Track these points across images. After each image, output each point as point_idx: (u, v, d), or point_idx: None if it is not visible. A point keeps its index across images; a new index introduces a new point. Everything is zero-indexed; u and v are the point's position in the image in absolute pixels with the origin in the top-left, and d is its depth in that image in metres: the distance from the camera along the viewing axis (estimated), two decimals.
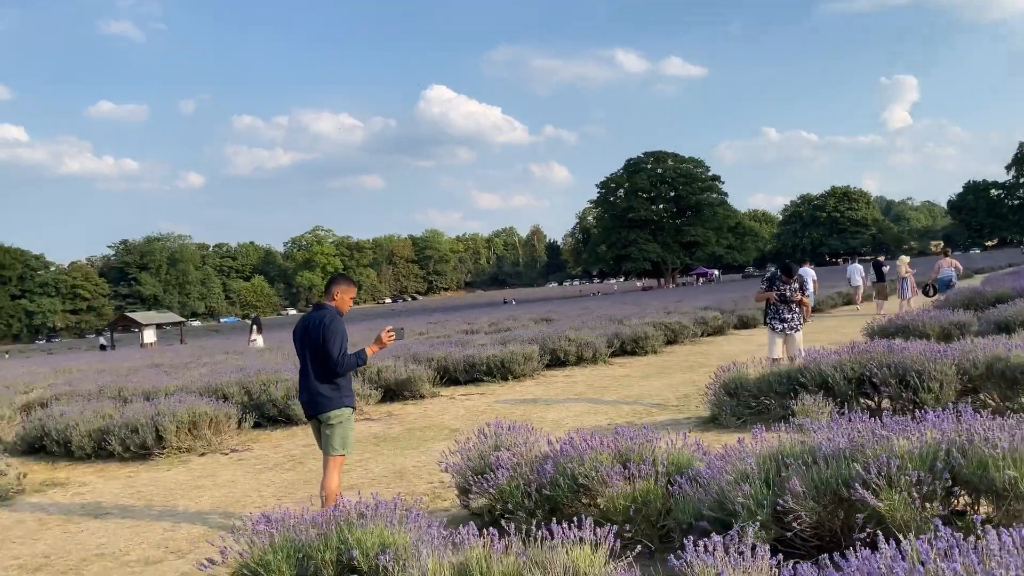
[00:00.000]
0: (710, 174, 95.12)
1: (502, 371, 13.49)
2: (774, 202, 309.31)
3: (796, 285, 9.48)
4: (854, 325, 19.86)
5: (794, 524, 3.85)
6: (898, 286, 21.87)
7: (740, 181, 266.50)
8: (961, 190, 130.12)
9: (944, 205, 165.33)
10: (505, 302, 75.33)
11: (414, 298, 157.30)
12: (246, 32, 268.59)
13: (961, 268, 23.98)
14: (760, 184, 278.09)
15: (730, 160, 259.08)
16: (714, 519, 4.06)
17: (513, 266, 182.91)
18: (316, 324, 5.36)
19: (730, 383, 8.21)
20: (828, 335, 17.80)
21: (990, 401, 7.19)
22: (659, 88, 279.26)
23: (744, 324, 21.13)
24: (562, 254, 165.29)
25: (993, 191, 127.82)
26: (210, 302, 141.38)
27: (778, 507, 3.88)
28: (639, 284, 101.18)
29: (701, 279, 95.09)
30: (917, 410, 6.92)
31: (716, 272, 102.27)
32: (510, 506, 4.72)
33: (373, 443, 8.94)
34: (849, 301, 26.42)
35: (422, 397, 12.14)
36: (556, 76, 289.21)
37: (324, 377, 5.32)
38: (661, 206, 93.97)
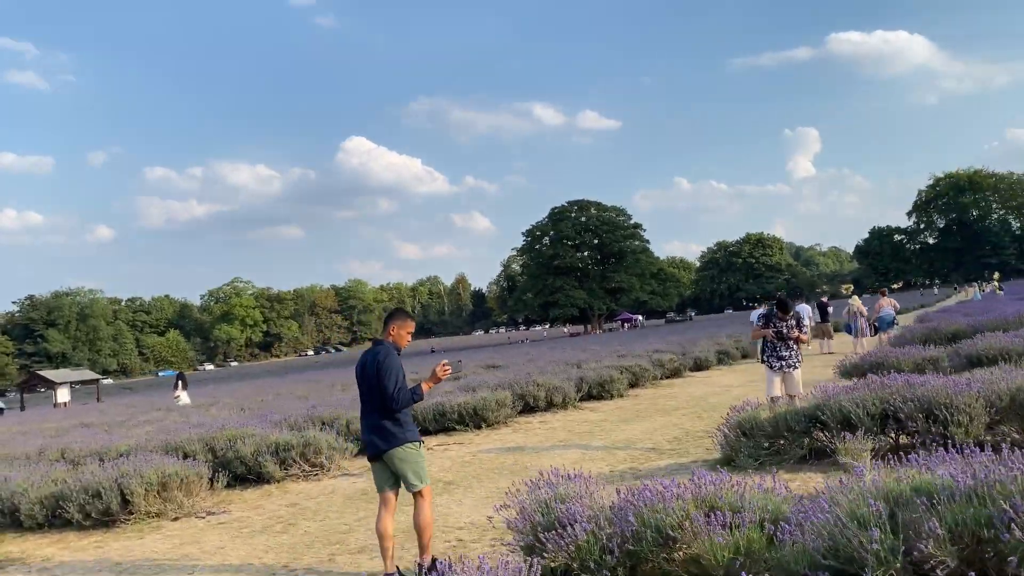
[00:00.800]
0: (632, 222, 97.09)
1: (474, 419, 12.95)
2: (689, 249, 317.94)
3: (793, 322, 9.35)
4: (811, 364, 20.14)
5: (937, 572, 3.51)
6: (852, 325, 22.20)
7: (656, 229, 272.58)
8: (867, 235, 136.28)
9: (849, 251, 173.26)
10: (433, 351, 74.44)
11: (338, 349, 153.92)
12: (159, 83, 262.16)
13: (899, 306, 24.68)
14: (675, 232, 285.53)
15: (646, 208, 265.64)
16: (835, 569, 3.70)
17: (439, 314, 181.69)
18: (371, 361, 5.33)
19: (745, 423, 7.94)
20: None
21: (1014, 434, 7.12)
22: (576, 140, 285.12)
23: (698, 366, 21.10)
24: (487, 302, 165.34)
25: (896, 236, 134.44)
26: (122, 358, 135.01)
27: (915, 554, 3.55)
28: (566, 330, 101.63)
29: (626, 324, 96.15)
30: (947, 445, 6.80)
31: (640, 317, 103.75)
32: (591, 564, 4.25)
33: (366, 500, 8.27)
34: None
35: None
36: (475, 128, 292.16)
37: (384, 414, 5.26)
38: (586, 253, 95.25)
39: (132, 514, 8.15)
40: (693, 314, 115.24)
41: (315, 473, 9.91)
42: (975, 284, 76.91)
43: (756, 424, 7.89)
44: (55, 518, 8.37)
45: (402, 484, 5.33)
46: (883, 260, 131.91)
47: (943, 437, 6.88)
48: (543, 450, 10.41)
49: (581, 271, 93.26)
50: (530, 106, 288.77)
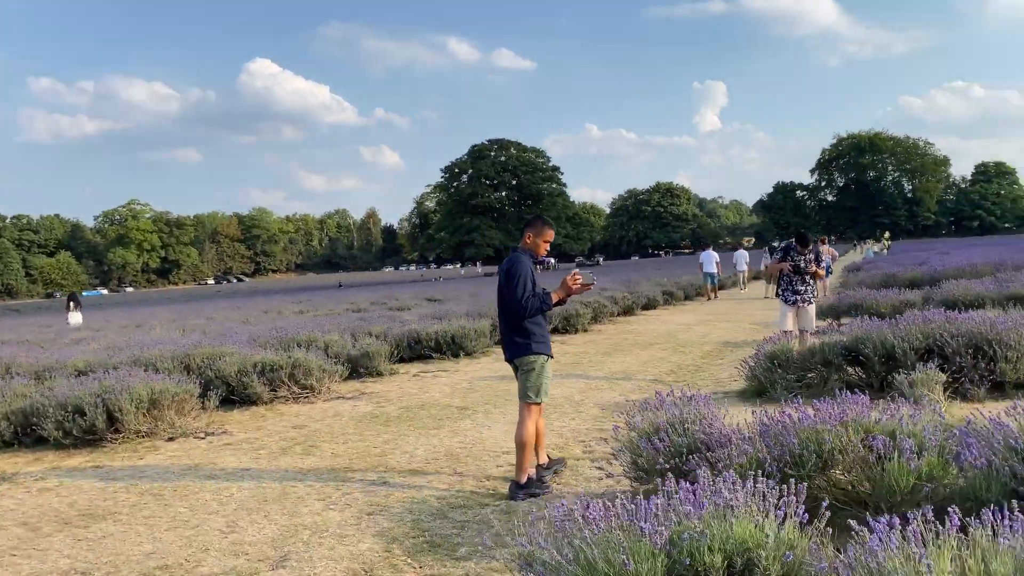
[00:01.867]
0: (551, 164, 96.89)
1: (452, 347, 12.46)
2: (596, 195, 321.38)
3: (812, 256, 9.21)
4: (760, 306, 20.50)
5: None
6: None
7: (566, 174, 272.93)
8: (772, 190, 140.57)
9: (749, 204, 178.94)
10: (340, 286, 73.05)
11: (240, 279, 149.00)
12: None
13: (837, 256, 25.33)
14: (584, 178, 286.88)
15: (557, 153, 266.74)
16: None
17: (347, 249, 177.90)
18: (502, 270, 5.29)
19: (779, 354, 7.77)
20: (744, 316, 18.14)
21: None
22: (491, 78, 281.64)
23: (646, 306, 21.09)
24: (398, 239, 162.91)
25: (799, 192, 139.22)
26: (7, 279, 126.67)
27: None
28: (480, 270, 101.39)
29: (539, 266, 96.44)
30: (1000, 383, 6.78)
31: (552, 260, 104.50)
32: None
33: (381, 423, 7.76)
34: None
35: (379, 375, 10.91)
36: (388, 58, 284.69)
37: (512, 322, 5.21)
38: (504, 193, 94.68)
39: (119, 432, 7.35)
40: (601, 259, 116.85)
41: (305, 395, 9.26)
42: (868, 241, 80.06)
43: (790, 356, 7.73)
44: (25, 435, 7.49)
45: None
46: (784, 215, 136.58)
47: (989, 373, 6.88)
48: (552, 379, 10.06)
49: (498, 211, 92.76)
50: (445, 39, 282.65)
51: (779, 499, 2.81)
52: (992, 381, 6.88)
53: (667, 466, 4.06)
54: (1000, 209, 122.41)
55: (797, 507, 2.72)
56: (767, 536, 2.51)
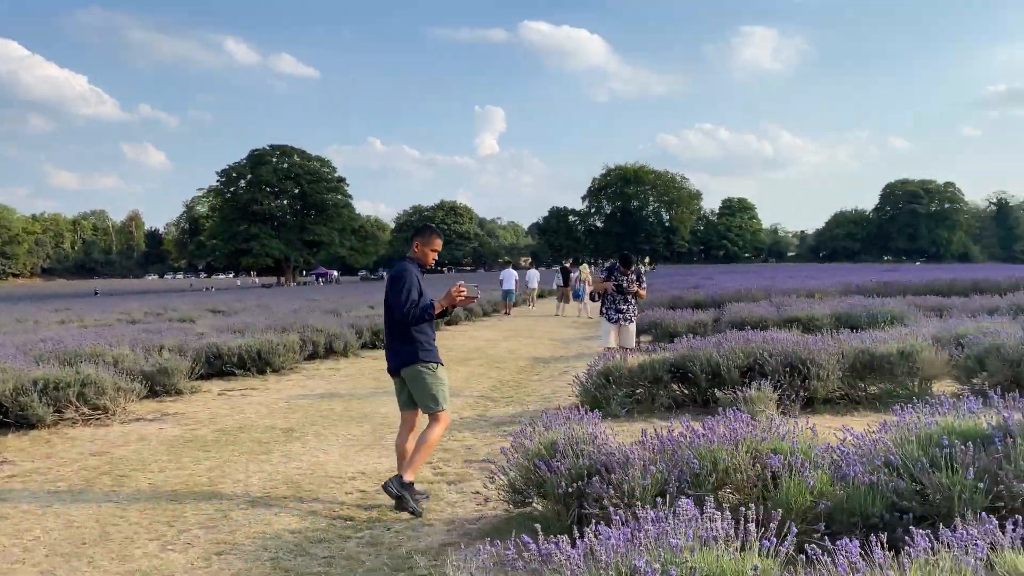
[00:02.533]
0: (337, 175, 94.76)
1: (258, 363, 11.60)
2: (378, 209, 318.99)
3: (634, 276, 9.56)
4: (554, 324, 21.14)
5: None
6: (579, 291, 23.67)
7: (349, 186, 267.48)
8: (547, 214, 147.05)
9: (525, 226, 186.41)
10: (96, 294, 66.73)
11: None
12: None
13: None
14: (366, 191, 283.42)
15: (339, 164, 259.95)
16: (916, 511, 3.72)
17: (104, 254, 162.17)
18: (388, 278, 5.31)
19: (613, 370, 7.93)
20: (543, 333, 18.61)
21: (862, 390, 7.91)
22: (271, 83, 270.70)
23: (449, 321, 21.05)
24: (164, 245, 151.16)
25: (571, 217, 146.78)
26: None
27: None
28: (258, 281, 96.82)
29: (321, 279, 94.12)
30: (809, 400, 7.36)
31: (335, 273, 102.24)
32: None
33: (198, 449, 6.96)
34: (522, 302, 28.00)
35: (179, 393, 9.88)
36: (157, 52, 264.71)
37: (397, 331, 5.17)
38: (286, 202, 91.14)
39: None
40: (385, 273, 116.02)
41: (97, 417, 8.15)
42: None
43: (622, 372, 7.92)
44: None
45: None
46: (559, 238, 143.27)
47: (804, 390, 7.45)
48: (364, 397, 9.61)
49: (279, 220, 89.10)
50: (222, 39, 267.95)
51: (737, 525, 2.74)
52: (805, 398, 7.45)
53: (570, 490, 3.91)
54: (742, 240, 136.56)
55: (765, 534, 2.65)
56: (754, 568, 2.42)
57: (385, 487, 5.05)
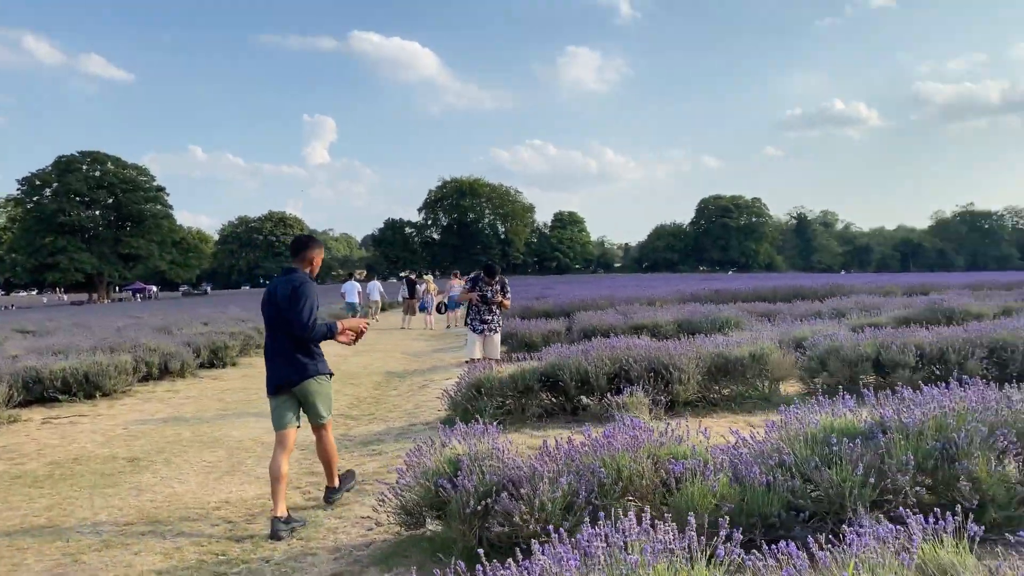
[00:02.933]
0: (156, 184, 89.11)
1: (86, 387, 10.55)
2: (200, 220, 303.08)
3: (498, 287, 9.52)
4: (401, 337, 20.79)
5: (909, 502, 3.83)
6: (425, 303, 23.48)
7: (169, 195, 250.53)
8: (383, 226, 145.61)
9: (358, 238, 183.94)
10: None
11: None
12: None
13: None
14: (187, 201, 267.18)
15: (157, 173, 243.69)
16: (810, 510, 3.86)
17: None
18: (284, 287, 5.06)
19: (484, 381, 7.83)
20: (392, 347, 18.25)
21: (724, 391, 8.23)
22: (77, 85, 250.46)
23: None
24: None
25: (407, 229, 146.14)
26: None
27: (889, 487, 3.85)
28: (66, 298, 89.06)
29: (138, 295, 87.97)
30: (670, 403, 7.60)
31: (154, 288, 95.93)
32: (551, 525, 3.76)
33: (29, 485, 6.18)
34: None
35: None
36: None
37: (296, 344, 5.07)
38: (98, 212, 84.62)
39: None
40: (209, 288, 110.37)
41: None
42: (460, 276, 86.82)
43: (493, 384, 7.84)
44: None
45: (302, 420, 5.26)
46: (395, 249, 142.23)
47: (667, 394, 7.67)
48: (211, 420, 8.96)
49: (91, 232, 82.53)
50: (19, 35, 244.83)
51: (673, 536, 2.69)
52: (667, 401, 7.67)
53: (479, 508, 3.75)
54: (573, 252, 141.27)
55: (709, 543, 2.62)
56: None
57: (328, 499, 5.43)
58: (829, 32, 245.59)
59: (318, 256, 5.29)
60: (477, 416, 7.69)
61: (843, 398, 4.54)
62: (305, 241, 5.31)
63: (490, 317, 9.51)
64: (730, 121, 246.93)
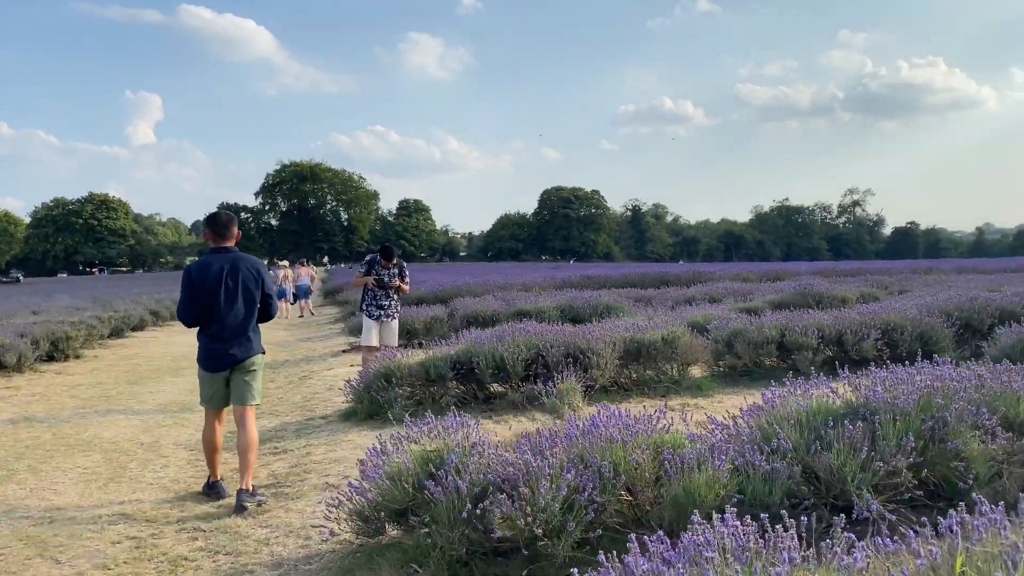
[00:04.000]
0: None
1: None
2: (7, 203, 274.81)
3: (395, 271, 8.94)
4: (266, 326, 19.53)
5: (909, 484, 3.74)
6: (282, 290, 22.33)
7: None
8: (215, 210, 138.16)
9: (187, 223, 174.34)
10: None
11: None
12: None
13: (316, 277, 25.90)
14: None
15: None
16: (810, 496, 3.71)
17: None
18: (249, 268, 5.19)
19: (394, 370, 7.29)
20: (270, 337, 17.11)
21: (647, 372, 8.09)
22: None
23: (136, 326, 18.46)
24: None
25: (243, 214, 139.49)
26: None
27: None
28: None
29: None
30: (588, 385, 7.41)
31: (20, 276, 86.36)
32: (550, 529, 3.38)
33: None
34: None
35: None
36: None
37: (252, 324, 5.20)
38: None
39: None
40: (21, 276, 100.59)
41: None
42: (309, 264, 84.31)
43: (403, 372, 7.32)
44: None
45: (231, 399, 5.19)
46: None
47: (586, 379, 7.46)
48: (72, 419, 7.88)
49: None
50: None
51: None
52: (585, 387, 7.46)
53: (477, 511, 3.31)
54: (419, 240, 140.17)
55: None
56: None
57: (239, 509, 4.78)
58: (659, 33, 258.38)
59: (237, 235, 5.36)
60: (386, 407, 7.19)
61: (819, 377, 4.44)
62: (231, 218, 5.38)
63: (387, 302, 8.94)
64: (567, 115, 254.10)
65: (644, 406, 7.27)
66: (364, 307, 8.99)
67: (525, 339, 7.63)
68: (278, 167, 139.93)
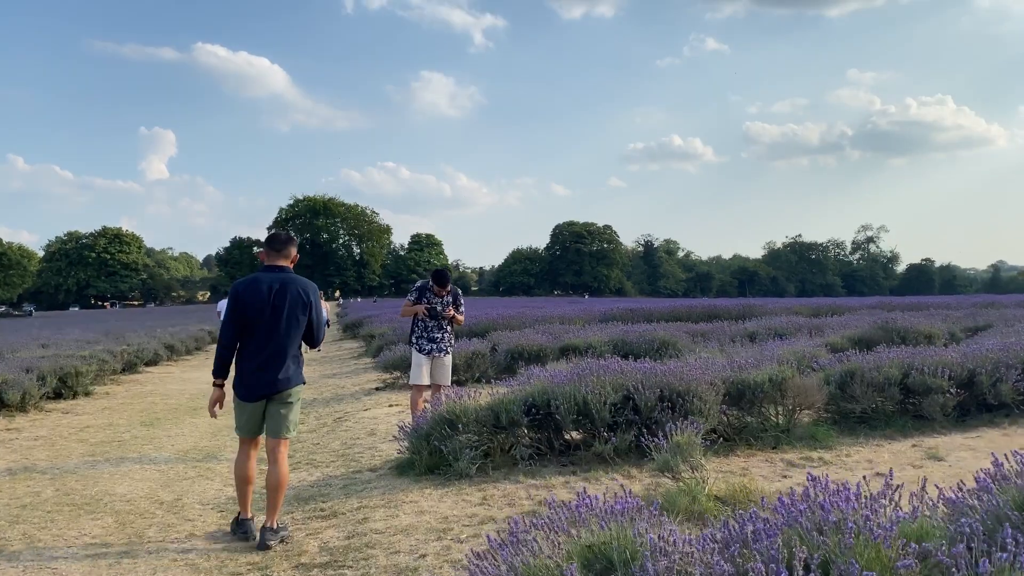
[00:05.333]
0: None
1: None
2: (21, 236, 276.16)
3: (450, 299, 7.85)
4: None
5: None
6: None
7: None
8: (229, 244, 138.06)
9: (199, 257, 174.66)
10: None
11: None
12: None
13: (329, 310, 24.71)
14: (3, 216, 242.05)
15: None
16: None
17: None
18: (300, 291, 4.78)
19: (459, 414, 6.15)
20: None
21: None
22: None
23: (150, 361, 17.37)
24: None
25: (255, 248, 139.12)
26: None
27: None
28: None
29: None
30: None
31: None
32: None
33: None
34: None
35: None
36: None
37: (296, 351, 4.82)
38: None
39: None
40: (33, 309, 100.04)
41: None
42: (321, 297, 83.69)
43: (470, 417, 6.18)
44: None
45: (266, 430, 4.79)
46: (242, 269, 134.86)
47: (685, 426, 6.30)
48: (80, 469, 6.77)
49: None
50: None
51: None
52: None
53: None
54: (413, 284, 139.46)
55: None
56: None
57: (263, 546, 4.48)
58: (668, 71, 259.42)
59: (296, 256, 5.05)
60: (451, 459, 6.05)
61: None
62: (291, 238, 5.08)
63: (440, 335, 7.82)
64: (577, 152, 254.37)
65: (766, 460, 6.12)
66: (413, 340, 7.87)
67: (612, 379, 6.48)
68: (291, 201, 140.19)
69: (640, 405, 6.31)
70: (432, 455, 6.15)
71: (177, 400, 11.66)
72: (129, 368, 15.56)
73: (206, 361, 18.82)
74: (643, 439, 6.04)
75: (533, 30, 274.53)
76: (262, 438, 4.86)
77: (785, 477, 5.63)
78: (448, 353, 7.91)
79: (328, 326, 24.70)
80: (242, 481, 4.79)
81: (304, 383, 4.89)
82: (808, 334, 12.06)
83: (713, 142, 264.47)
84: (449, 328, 7.92)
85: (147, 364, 17.00)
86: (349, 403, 10.86)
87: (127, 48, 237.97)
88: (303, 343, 4.89)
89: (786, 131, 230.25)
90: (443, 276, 7.79)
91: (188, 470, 6.77)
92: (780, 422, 6.91)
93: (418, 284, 8.02)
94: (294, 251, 4.96)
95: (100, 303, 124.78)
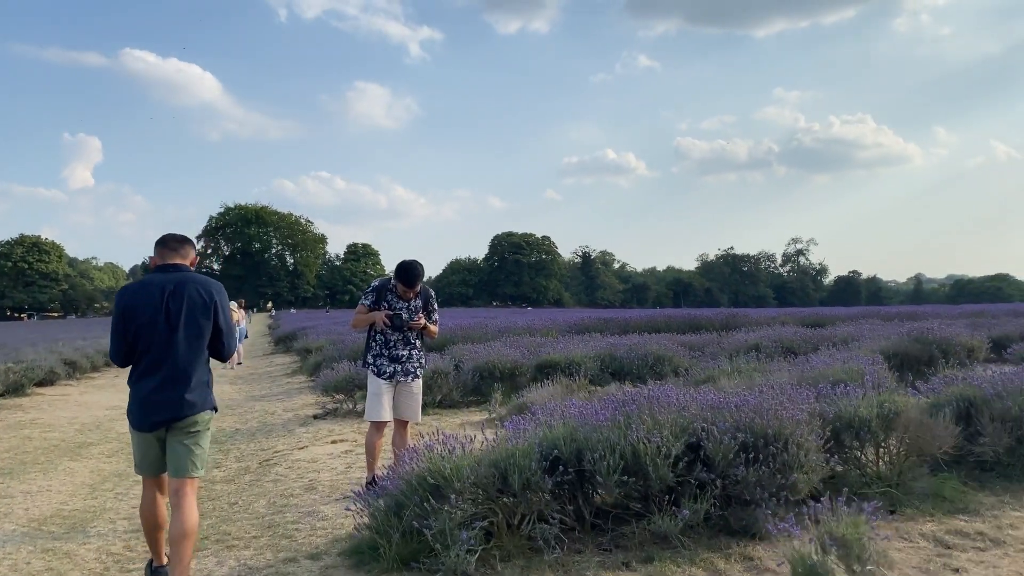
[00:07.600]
0: None
1: None
2: None
3: (420, 302, 5.74)
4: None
5: None
6: None
7: None
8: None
9: (125, 268, 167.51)
10: None
11: None
12: None
13: (248, 318, 22.98)
14: None
15: None
16: None
17: None
18: (201, 291, 3.85)
19: (449, 476, 4.04)
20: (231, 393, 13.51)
21: None
22: None
23: (42, 381, 14.68)
24: None
25: (145, 258, 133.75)
26: None
27: None
28: None
29: None
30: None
31: None
32: None
33: None
34: None
35: None
36: None
37: (204, 366, 3.92)
38: None
39: None
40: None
41: None
42: (250, 310, 79.81)
43: (464, 479, 4.08)
44: None
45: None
46: None
47: (779, 482, 4.33)
48: None
49: None
50: None
51: None
52: (777, 493, 4.33)
53: None
54: (367, 285, 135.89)
55: None
56: None
57: None
58: (602, 87, 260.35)
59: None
60: (436, 544, 3.94)
61: None
62: (187, 238, 4.11)
63: (406, 352, 5.69)
64: (513, 165, 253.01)
65: (898, 534, 4.16)
66: (370, 359, 5.70)
67: (670, 417, 4.45)
68: (222, 209, 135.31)
69: (714, 457, 4.31)
70: (407, 538, 4.04)
71: (61, 433, 9.23)
72: (14, 390, 12.91)
73: (114, 380, 16.16)
74: (725, 511, 4.07)
75: (470, 43, 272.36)
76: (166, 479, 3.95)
77: (955, 572, 3.69)
78: (418, 377, 5.78)
79: (247, 337, 22.48)
80: (150, 528, 4.04)
81: (215, 409, 4.00)
82: (829, 346, 10.29)
83: (646, 157, 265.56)
84: (418, 343, 5.80)
85: (39, 384, 14.32)
86: (280, 437, 8.63)
87: (49, 52, 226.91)
88: (211, 357, 3.99)
89: (715, 147, 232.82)
90: (411, 272, 5.64)
91: (35, 557, 4.50)
92: (883, 471, 5.01)
93: (375, 283, 5.89)
94: (193, 252, 4.10)
95: (17, 315, 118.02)
